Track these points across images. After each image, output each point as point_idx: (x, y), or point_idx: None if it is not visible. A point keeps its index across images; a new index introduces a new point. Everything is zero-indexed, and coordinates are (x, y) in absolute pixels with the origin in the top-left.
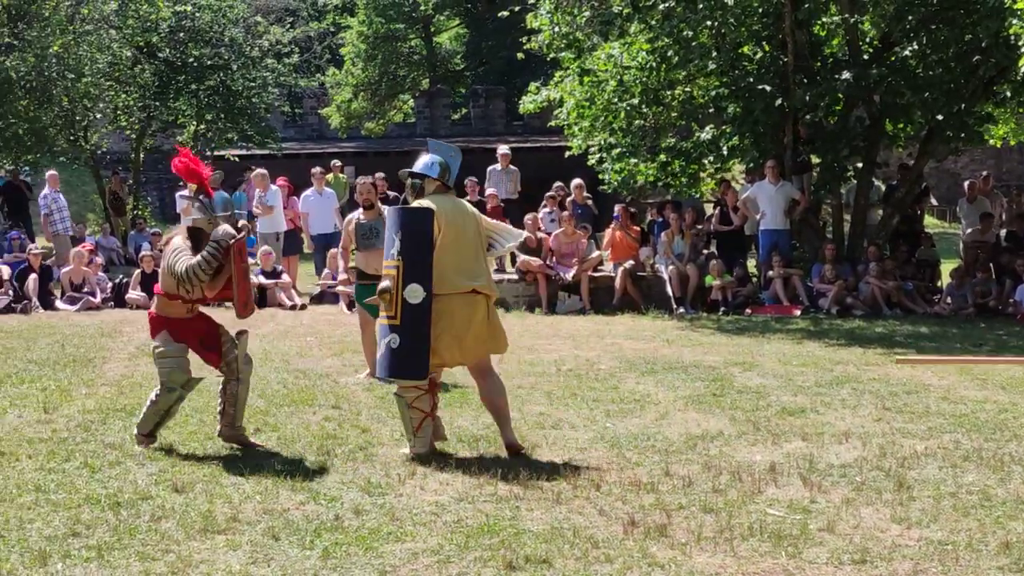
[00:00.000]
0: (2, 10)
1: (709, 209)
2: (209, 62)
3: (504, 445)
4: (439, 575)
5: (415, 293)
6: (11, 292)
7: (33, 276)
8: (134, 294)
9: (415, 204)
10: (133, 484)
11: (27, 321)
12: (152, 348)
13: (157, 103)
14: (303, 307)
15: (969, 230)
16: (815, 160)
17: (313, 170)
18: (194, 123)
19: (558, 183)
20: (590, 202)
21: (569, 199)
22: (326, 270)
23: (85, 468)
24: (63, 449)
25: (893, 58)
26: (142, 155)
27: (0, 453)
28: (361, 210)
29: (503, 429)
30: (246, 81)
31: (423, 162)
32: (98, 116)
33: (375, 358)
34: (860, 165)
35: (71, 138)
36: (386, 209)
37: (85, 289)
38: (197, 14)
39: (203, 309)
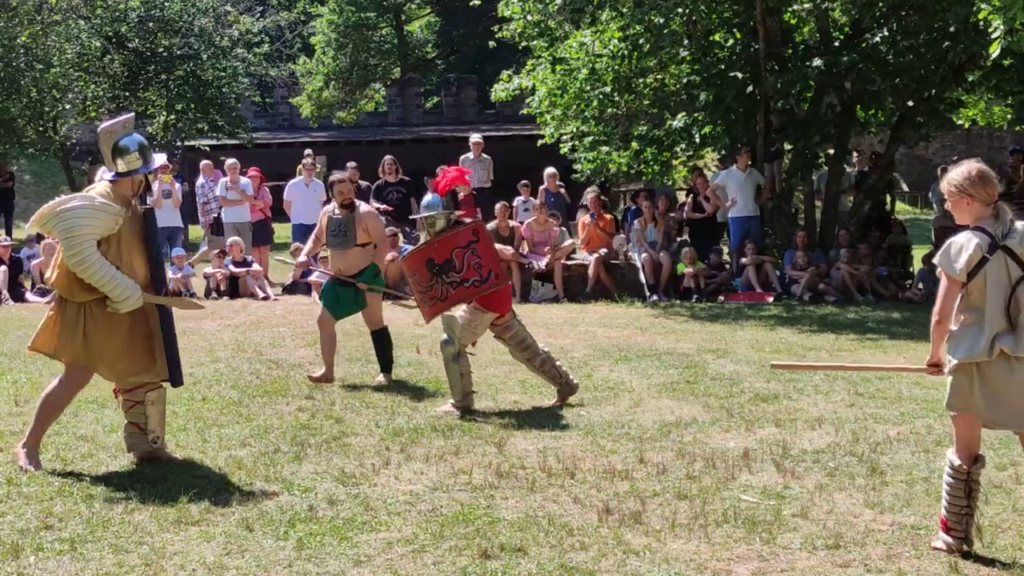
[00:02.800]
0: None
1: (682, 197)
2: (179, 52)
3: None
4: (414, 564)
5: None
6: None
7: (3, 268)
8: None
9: None
10: (106, 477)
11: None
12: None
13: (127, 93)
14: (274, 299)
15: (940, 215)
16: (787, 147)
17: (304, 160)
18: (164, 113)
19: (523, 181)
20: (563, 190)
21: (542, 187)
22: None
23: (57, 460)
24: None
25: (864, 45)
26: None
27: None
28: (336, 204)
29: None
30: (216, 71)
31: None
32: (67, 107)
33: (332, 359)
34: (832, 152)
35: (40, 129)
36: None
37: None
38: (166, 4)
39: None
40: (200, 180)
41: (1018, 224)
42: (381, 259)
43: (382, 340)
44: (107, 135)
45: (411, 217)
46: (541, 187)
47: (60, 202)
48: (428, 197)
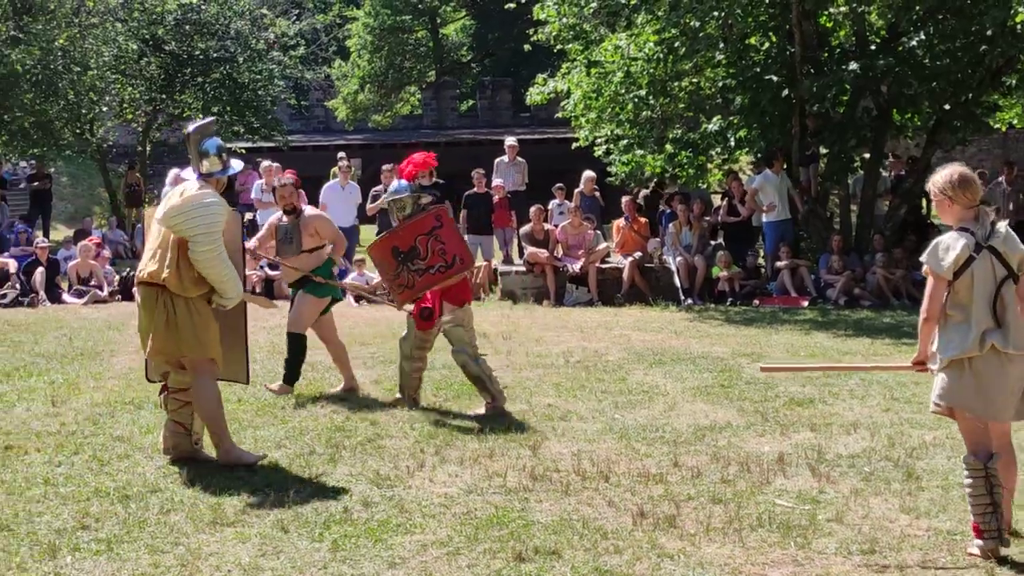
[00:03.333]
0: (7, 3)
1: (716, 200)
2: (215, 55)
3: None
4: (448, 567)
5: None
6: (18, 286)
7: (40, 269)
8: None
9: None
10: (142, 477)
11: (34, 314)
12: None
13: (163, 96)
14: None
15: None
16: (822, 151)
17: (340, 163)
18: (200, 116)
19: (558, 184)
20: (597, 194)
21: (577, 190)
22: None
23: (94, 461)
24: (71, 442)
25: (900, 48)
26: (148, 148)
27: (8, 447)
28: (283, 212)
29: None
30: (252, 74)
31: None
32: (104, 109)
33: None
34: (867, 156)
35: (77, 131)
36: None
37: (92, 282)
38: (203, 7)
39: None
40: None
41: (1000, 225)
42: (339, 256)
43: (296, 346)
44: (195, 137)
45: (377, 203)
46: (576, 190)
47: (193, 199)
48: (395, 183)
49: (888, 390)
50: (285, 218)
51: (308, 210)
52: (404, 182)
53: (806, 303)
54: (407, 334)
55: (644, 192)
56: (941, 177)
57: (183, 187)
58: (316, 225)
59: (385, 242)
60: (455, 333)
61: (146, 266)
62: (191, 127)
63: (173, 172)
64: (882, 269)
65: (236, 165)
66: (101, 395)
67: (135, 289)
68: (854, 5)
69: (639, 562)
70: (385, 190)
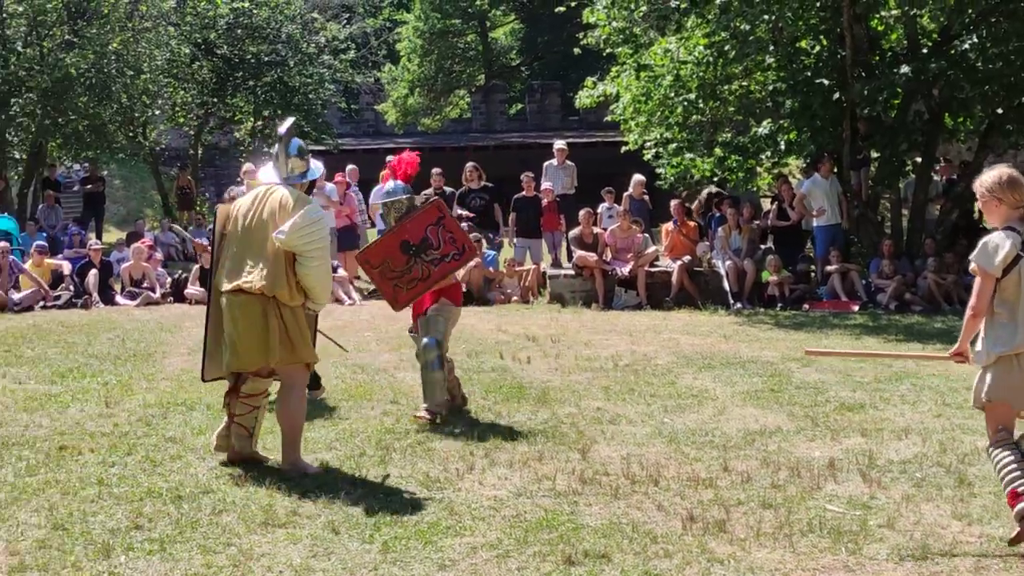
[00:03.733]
0: (62, 8)
1: (766, 204)
2: (266, 58)
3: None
4: (498, 569)
5: None
6: (72, 287)
7: (94, 271)
8: (193, 289)
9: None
10: (194, 478)
11: (87, 316)
12: None
13: (215, 99)
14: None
15: None
16: (874, 155)
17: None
18: (251, 119)
19: (607, 188)
20: (646, 197)
21: (626, 194)
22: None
23: (147, 462)
24: (125, 443)
25: (953, 51)
26: (200, 151)
27: (63, 447)
28: None
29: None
30: (303, 77)
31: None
32: (157, 112)
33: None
34: (919, 160)
35: (130, 134)
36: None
37: (145, 284)
38: (254, 11)
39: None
40: None
41: None
42: None
43: None
44: (286, 139)
45: (376, 204)
46: (625, 193)
47: (307, 215)
48: (389, 184)
49: (940, 395)
50: None
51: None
52: (399, 183)
53: (856, 308)
54: (432, 339)
55: (707, 191)
56: (989, 177)
57: (276, 193)
58: None
59: (390, 240)
60: (437, 324)
61: (246, 276)
62: (283, 128)
63: (247, 166)
64: (933, 274)
65: (316, 169)
66: (153, 396)
67: (225, 298)
68: (906, 8)
69: (689, 567)
70: (435, 193)
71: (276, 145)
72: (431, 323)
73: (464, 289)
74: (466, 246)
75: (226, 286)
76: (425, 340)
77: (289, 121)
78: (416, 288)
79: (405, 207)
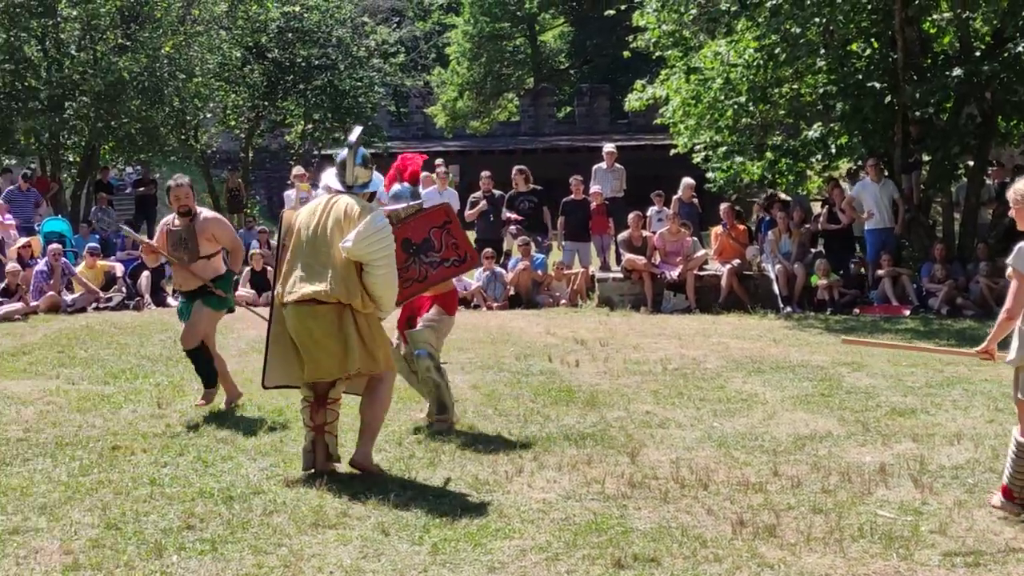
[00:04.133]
0: (115, 12)
1: (816, 208)
2: (317, 62)
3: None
4: (547, 572)
5: None
6: (124, 289)
7: (146, 273)
8: (243, 291)
9: None
10: (245, 478)
11: (140, 318)
12: None
13: (266, 103)
14: None
15: None
16: (925, 158)
17: (438, 168)
18: (302, 123)
19: (657, 191)
20: (695, 200)
21: (676, 197)
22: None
23: (198, 462)
24: (176, 444)
25: (1006, 54)
26: (251, 154)
27: (116, 447)
28: (176, 215)
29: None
30: (353, 81)
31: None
32: (208, 116)
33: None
34: (971, 163)
35: (182, 137)
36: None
37: None
38: (305, 15)
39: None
40: None
41: None
42: (237, 264)
43: (198, 358)
44: (353, 148)
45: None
46: (675, 196)
47: (371, 223)
48: (396, 187)
49: (992, 401)
50: (178, 221)
51: (204, 212)
52: (405, 185)
53: (907, 312)
54: (401, 348)
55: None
56: (1022, 185)
57: (341, 202)
58: (213, 229)
59: (395, 235)
60: (422, 334)
61: (316, 286)
62: (352, 136)
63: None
64: (986, 278)
65: (377, 181)
66: None
67: (292, 309)
68: (958, 11)
69: (739, 571)
70: (484, 197)
71: (343, 152)
72: (416, 336)
73: (511, 292)
74: (468, 255)
75: (293, 296)
76: (416, 352)
77: (358, 130)
78: (412, 288)
79: (412, 211)
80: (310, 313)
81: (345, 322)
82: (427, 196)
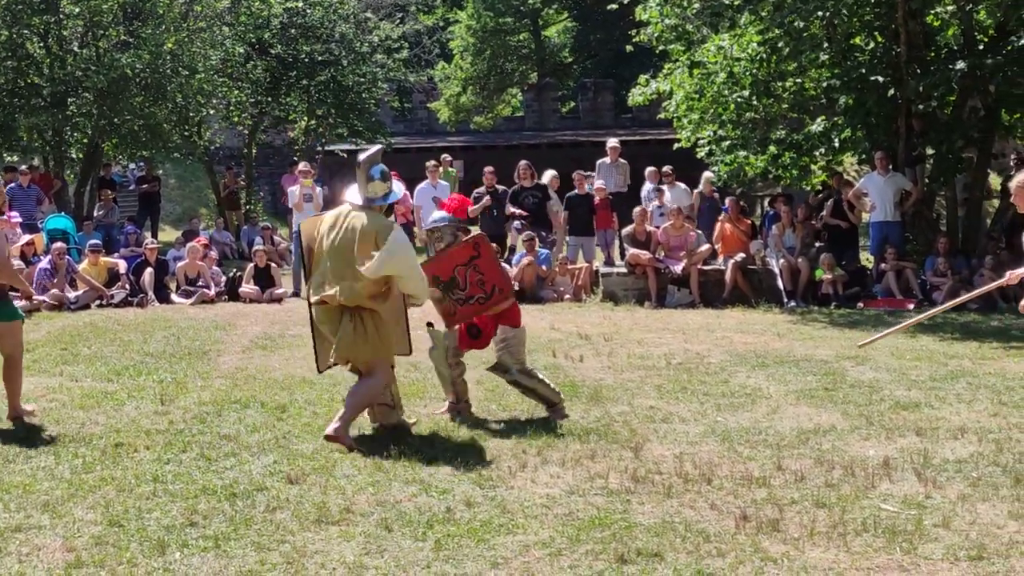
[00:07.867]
0: (117, 8)
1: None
2: (320, 58)
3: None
4: (551, 568)
5: None
6: (127, 286)
7: (149, 270)
8: (247, 288)
9: None
10: (248, 475)
11: (143, 314)
12: None
13: (269, 99)
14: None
15: None
16: (929, 151)
17: (428, 163)
18: (305, 119)
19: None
20: (716, 195)
21: (696, 191)
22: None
23: (201, 459)
24: (180, 440)
25: (1009, 47)
26: (254, 150)
27: (119, 444)
28: None
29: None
30: (356, 76)
31: None
32: (211, 112)
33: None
34: (975, 156)
35: (185, 134)
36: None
37: (200, 283)
38: (308, 11)
39: None
40: None
41: None
42: (10, 277)
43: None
44: (365, 166)
45: (428, 227)
46: (696, 191)
47: (388, 243)
48: (439, 213)
49: (996, 394)
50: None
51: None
52: (446, 213)
53: (912, 306)
54: (435, 347)
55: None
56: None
57: (355, 221)
58: None
59: (426, 270)
60: (505, 361)
61: (327, 291)
62: (361, 157)
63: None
64: (990, 271)
65: (398, 191)
66: (208, 394)
67: (322, 307)
68: (961, 3)
69: (742, 565)
70: (487, 192)
71: (357, 171)
72: (501, 365)
73: (516, 287)
74: (496, 288)
75: (315, 298)
76: (506, 377)
77: (374, 148)
78: (448, 321)
79: (446, 239)
80: (324, 310)
81: (362, 320)
82: (421, 193)
